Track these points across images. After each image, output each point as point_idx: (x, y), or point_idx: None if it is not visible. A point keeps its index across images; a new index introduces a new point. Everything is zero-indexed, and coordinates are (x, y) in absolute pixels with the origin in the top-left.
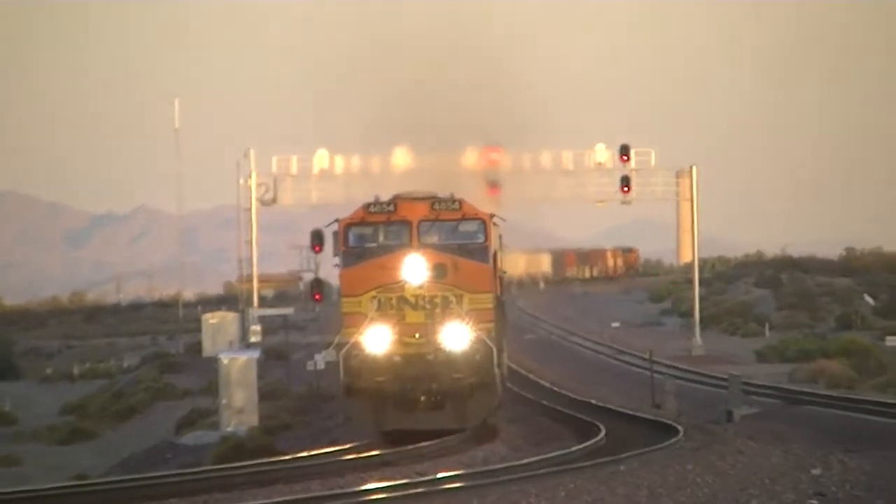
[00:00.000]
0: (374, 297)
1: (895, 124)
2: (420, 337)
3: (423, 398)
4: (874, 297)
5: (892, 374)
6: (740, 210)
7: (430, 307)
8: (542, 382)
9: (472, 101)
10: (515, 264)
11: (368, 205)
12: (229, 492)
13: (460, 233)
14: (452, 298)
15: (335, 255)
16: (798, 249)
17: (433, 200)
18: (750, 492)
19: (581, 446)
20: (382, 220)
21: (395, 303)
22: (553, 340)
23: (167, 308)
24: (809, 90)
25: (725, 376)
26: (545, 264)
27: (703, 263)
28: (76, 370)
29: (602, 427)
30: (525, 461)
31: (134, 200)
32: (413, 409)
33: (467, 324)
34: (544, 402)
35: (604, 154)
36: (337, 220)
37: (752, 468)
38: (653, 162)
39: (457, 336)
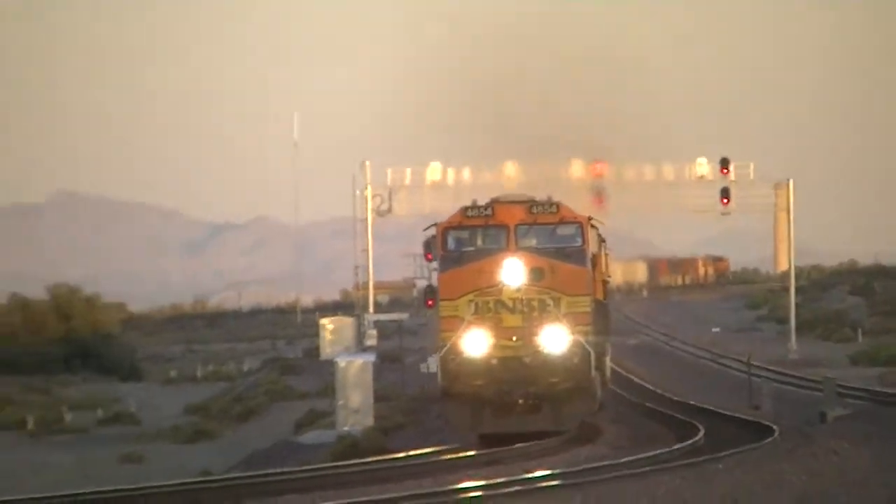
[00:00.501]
0: (472, 301)
1: None
2: (517, 340)
3: (520, 401)
4: None
5: None
6: (835, 220)
7: (528, 310)
8: (646, 385)
9: (583, 113)
10: (613, 272)
11: (466, 208)
12: (345, 488)
13: (558, 236)
14: (549, 301)
15: (434, 258)
16: (891, 258)
17: (531, 204)
18: (842, 490)
19: (681, 445)
20: (480, 223)
21: (493, 306)
22: (656, 346)
23: (285, 314)
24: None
25: (820, 379)
26: (640, 273)
27: (799, 272)
28: (199, 373)
29: (701, 427)
30: (625, 459)
31: (252, 210)
32: (510, 413)
33: (564, 327)
34: (647, 404)
35: (705, 167)
36: (435, 225)
37: (844, 468)
38: (751, 175)
39: (554, 339)
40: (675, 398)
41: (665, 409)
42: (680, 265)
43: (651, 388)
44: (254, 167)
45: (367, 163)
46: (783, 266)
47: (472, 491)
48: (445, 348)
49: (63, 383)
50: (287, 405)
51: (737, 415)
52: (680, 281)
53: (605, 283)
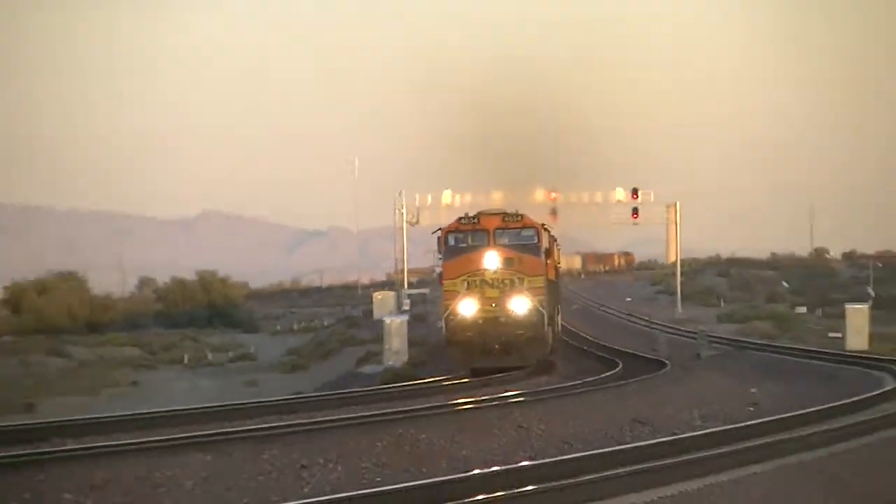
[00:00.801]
0: (464, 280)
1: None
2: (495, 306)
3: (496, 346)
4: (788, 283)
5: (797, 331)
6: (706, 225)
7: (502, 286)
8: (584, 335)
9: (544, 158)
10: (562, 262)
11: (461, 218)
12: (389, 402)
13: (522, 236)
14: (516, 280)
15: (439, 252)
16: (742, 252)
17: (504, 215)
18: (710, 400)
19: (607, 374)
20: (470, 228)
21: (479, 283)
22: (590, 310)
23: (350, 289)
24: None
25: (696, 331)
26: (577, 262)
27: (683, 262)
28: (295, 327)
29: (620, 362)
30: (570, 384)
31: (330, 221)
32: (490, 354)
33: (526, 297)
34: (584, 348)
35: (621, 194)
36: (440, 229)
37: (712, 388)
38: (652, 198)
39: (519, 305)
40: (602, 343)
41: (596, 351)
42: (602, 258)
43: (586, 336)
44: (328, 192)
45: (402, 191)
46: (672, 258)
47: (468, 404)
48: (447, 312)
49: (207, 334)
50: (352, 349)
51: (642, 354)
52: (603, 268)
53: (556, 268)
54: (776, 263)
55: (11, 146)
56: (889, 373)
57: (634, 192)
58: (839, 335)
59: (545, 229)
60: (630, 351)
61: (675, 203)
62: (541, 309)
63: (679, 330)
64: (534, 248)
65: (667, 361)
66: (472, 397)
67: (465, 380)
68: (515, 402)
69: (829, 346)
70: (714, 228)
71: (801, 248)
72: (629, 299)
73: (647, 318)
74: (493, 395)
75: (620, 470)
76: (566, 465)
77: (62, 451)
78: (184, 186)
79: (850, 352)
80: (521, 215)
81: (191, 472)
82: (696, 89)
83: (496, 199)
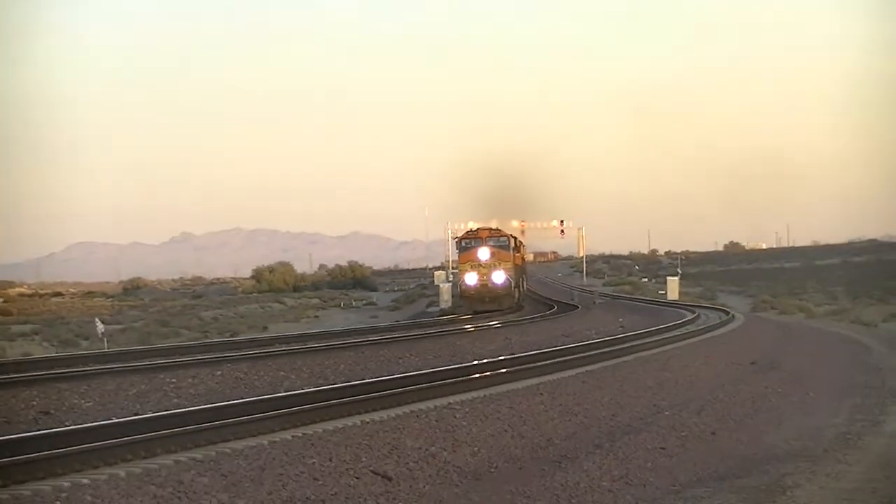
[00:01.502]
0: (469, 264)
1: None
2: (485, 279)
3: (487, 299)
4: (638, 266)
5: (643, 291)
6: (602, 233)
7: (489, 267)
8: (538, 293)
9: (515, 195)
10: (527, 256)
11: (468, 231)
12: (442, 326)
13: (500, 242)
14: (497, 264)
15: (457, 248)
16: (619, 251)
17: (490, 230)
18: (599, 324)
19: (547, 312)
20: (472, 236)
21: (476, 266)
22: (543, 280)
23: (423, 270)
24: None
25: (592, 290)
26: (531, 256)
27: (588, 256)
28: (395, 288)
29: (555, 306)
30: (528, 317)
31: (412, 234)
32: (483, 303)
33: (501, 272)
34: (536, 298)
35: (556, 223)
36: (456, 238)
37: (598, 319)
38: (571, 224)
39: (498, 278)
40: (546, 297)
41: (543, 301)
42: (544, 254)
43: (539, 294)
44: (411, 219)
45: (449, 221)
46: (580, 254)
47: (469, 327)
48: (461, 281)
49: (352, 292)
50: (424, 299)
51: (566, 302)
52: (543, 259)
53: (523, 259)
54: (630, 257)
55: (268, 183)
56: (687, 310)
57: (561, 222)
58: (664, 293)
59: (513, 238)
60: (560, 300)
61: (581, 228)
62: (510, 279)
63: (585, 290)
64: (506, 247)
65: (578, 305)
66: (472, 324)
67: (470, 315)
68: (498, 327)
69: (659, 299)
70: (606, 234)
71: (643, 248)
72: (560, 274)
73: (567, 284)
74: (484, 324)
75: (559, 359)
76: (530, 358)
77: (281, 350)
78: (345, 211)
79: (669, 301)
80: (499, 230)
81: (346, 359)
82: None
83: (492, 223)
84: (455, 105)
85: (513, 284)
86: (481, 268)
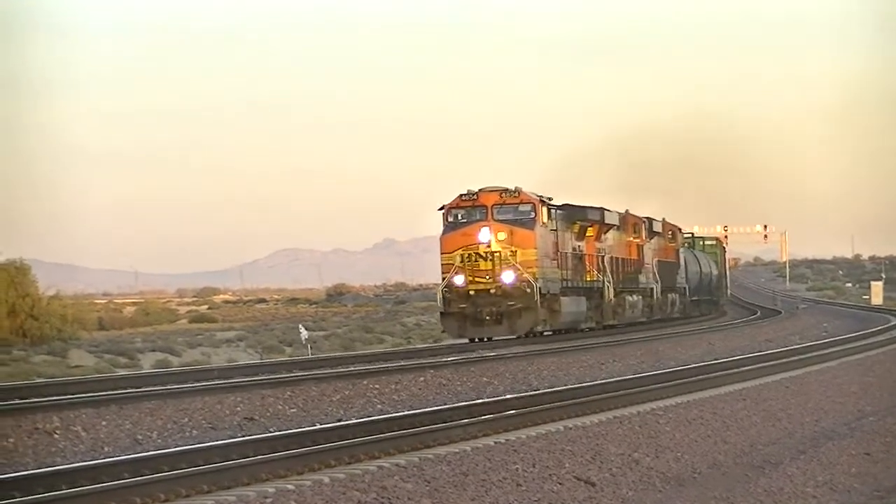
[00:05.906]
0: (460, 254)
1: None
2: (487, 279)
3: (488, 317)
4: (842, 272)
5: (847, 296)
6: (799, 237)
7: (495, 259)
8: (742, 299)
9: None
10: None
11: (462, 195)
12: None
13: (519, 211)
14: (509, 254)
15: (442, 227)
16: (821, 255)
17: (502, 191)
18: (802, 329)
19: (751, 318)
20: (469, 204)
21: (473, 257)
22: (743, 284)
23: None
24: None
25: (796, 295)
26: (733, 263)
27: (790, 261)
28: None
29: (758, 311)
30: (731, 322)
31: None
32: (482, 324)
33: (518, 269)
34: (742, 306)
35: (759, 228)
36: (443, 207)
37: (803, 324)
38: (773, 229)
39: (510, 277)
40: (749, 302)
41: (746, 306)
42: (731, 260)
43: (742, 300)
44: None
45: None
46: (784, 258)
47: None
48: (443, 284)
49: None
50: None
51: (769, 307)
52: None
53: (683, 256)
54: (833, 262)
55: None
56: (893, 315)
57: (765, 227)
58: (867, 297)
59: (543, 203)
60: (761, 304)
61: (784, 232)
62: (532, 280)
63: (787, 295)
64: (529, 223)
65: (781, 310)
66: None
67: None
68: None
69: (862, 304)
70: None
71: (846, 253)
72: (763, 279)
73: (770, 290)
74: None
75: (763, 364)
76: (736, 362)
77: (483, 357)
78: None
79: (873, 306)
80: (519, 190)
81: (548, 364)
82: None
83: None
84: None
85: (537, 290)
86: (481, 260)
